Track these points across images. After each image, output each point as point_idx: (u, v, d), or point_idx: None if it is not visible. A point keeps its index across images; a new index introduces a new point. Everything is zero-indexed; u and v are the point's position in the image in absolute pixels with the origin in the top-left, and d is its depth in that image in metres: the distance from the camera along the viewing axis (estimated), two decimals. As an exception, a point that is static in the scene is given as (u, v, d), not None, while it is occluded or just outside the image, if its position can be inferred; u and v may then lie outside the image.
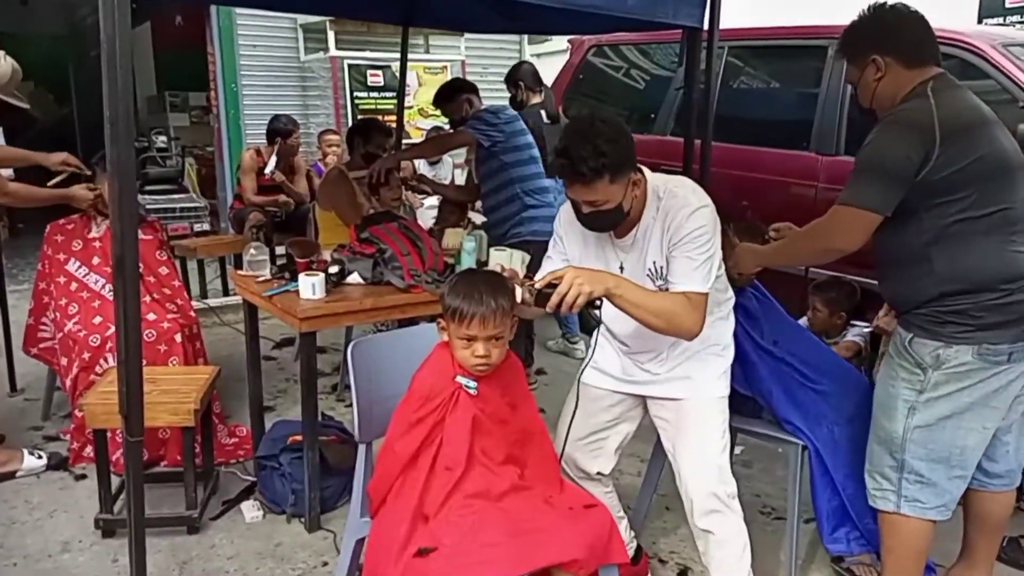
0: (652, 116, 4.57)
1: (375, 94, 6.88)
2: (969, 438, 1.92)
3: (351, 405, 1.99)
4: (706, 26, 3.17)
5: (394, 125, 4.93)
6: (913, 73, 1.94)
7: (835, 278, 3.30)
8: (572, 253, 2.09)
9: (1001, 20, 6.19)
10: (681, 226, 1.90)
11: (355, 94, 6.77)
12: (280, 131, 5.34)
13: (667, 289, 1.92)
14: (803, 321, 3.21)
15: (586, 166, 1.78)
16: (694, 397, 2.05)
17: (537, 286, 1.76)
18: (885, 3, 2.01)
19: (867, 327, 3.16)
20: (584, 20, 3.18)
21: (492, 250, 2.87)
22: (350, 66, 6.75)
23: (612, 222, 1.93)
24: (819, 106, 3.70)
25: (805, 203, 3.62)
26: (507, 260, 2.77)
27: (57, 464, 3.08)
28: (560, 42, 6.56)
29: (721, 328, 2.10)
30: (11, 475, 3.00)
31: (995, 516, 2.17)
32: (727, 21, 3.38)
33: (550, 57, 7.67)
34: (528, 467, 1.88)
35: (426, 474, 1.75)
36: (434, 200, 5.30)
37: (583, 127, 1.83)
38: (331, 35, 6.64)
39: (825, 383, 2.37)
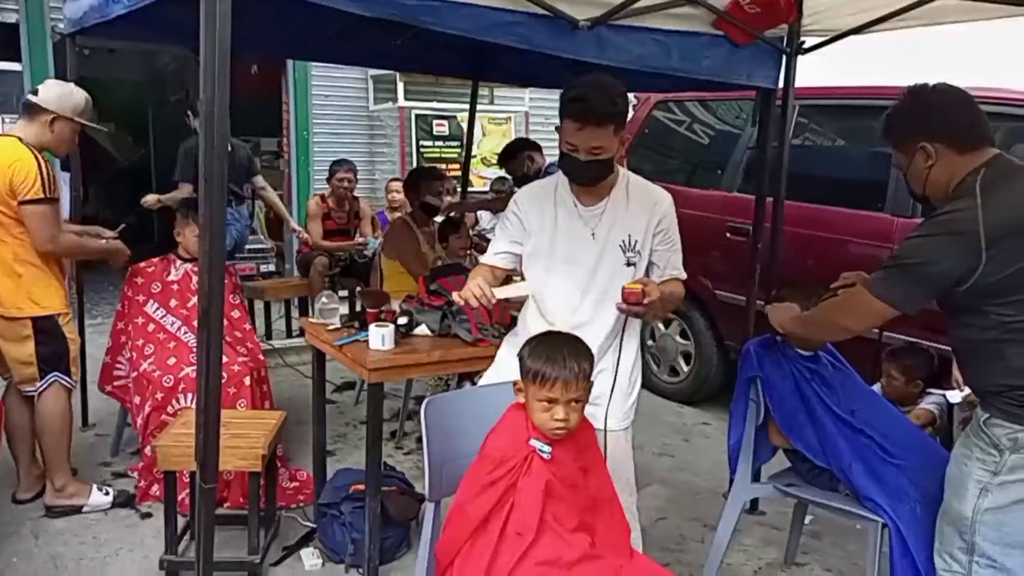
0: (719, 172, 4.55)
1: (440, 143, 7.04)
2: None
3: (410, 453, 1.99)
4: (781, 85, 3.17)
5: (459, 174, 5.03)
6: (965, 159, 1.83)
7: (912, 344, 3.20)
8: (532, 227, 2.22)
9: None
10: (668, 214, 2.23)
11: (421, 143, 6.94)
12: (331, 170, 5.48)
13: (636, 264, 2.18)
14: (876, 388, 3.11)
15: (603, 110, 2.00)
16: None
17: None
18: (927, 85, 1.91)
19: (943, 395, 3.04)
20: (658, 80, 3.20)
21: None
22: (417, 116, 6.93)
23: (602, 173, 2.12)
24: (893, 167, 3.63)
25: (877, 265, 3.53)
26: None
27: (124, 502, 3.14)
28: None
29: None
30: (78, 509, 3.06)
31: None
32: (802, 79, 3.36)
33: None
34: (599, 534, 1.84)
35: (496, 538, 1.72)
36: None
37: (598, 80, 2.05)
38: (400, 86, 6.85)
39: (906, 457, 2.28)
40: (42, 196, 2.83)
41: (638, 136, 5.05)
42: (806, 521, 2.93)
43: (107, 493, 3.14)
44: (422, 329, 2.82)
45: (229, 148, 2.12)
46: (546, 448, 1.78)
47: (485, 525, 1.75)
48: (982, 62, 4.67)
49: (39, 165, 2.84)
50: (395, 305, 2.96)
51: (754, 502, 3.25)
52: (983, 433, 1.87)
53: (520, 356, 1.80)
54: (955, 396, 2.91)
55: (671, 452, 3.90)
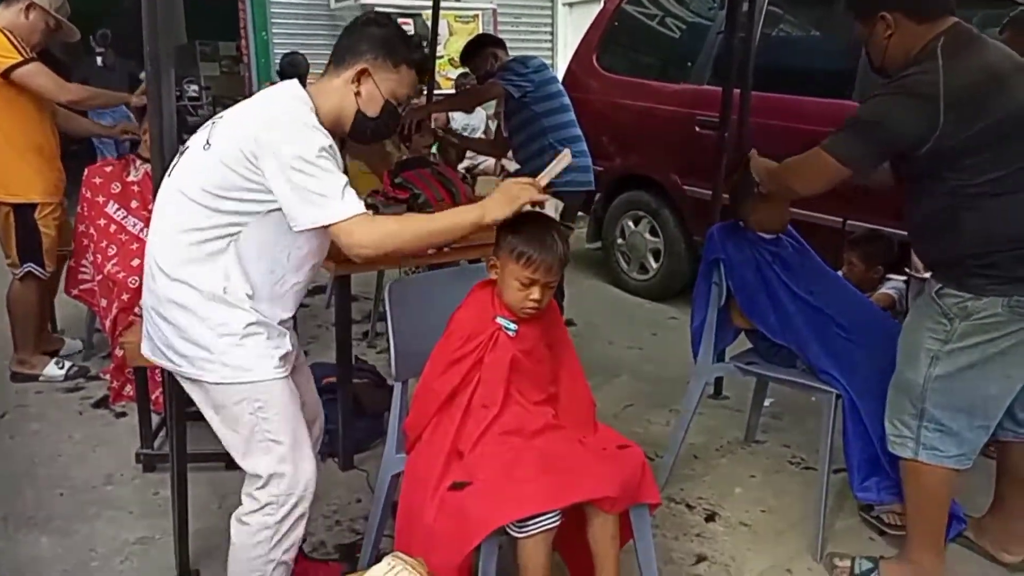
0: (689, 65, 4.47)
1: (405, 43, 6.82)
2: (992, 387, 1.90)
3: (383, 352, 2.01)
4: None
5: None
6: (924, 28, 1.84)
7: (872, 231, 3.25)
8: None
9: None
10: None
11: (385, 43, 6.71)
12: (289, 72, 5.27)
13: None
14: (839, 275, 3.17)
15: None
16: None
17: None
18: None
19: (903, 279, 3.12)
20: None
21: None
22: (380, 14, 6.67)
23: None
24: (862, 55, 3.59)
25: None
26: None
27: (76, 374, 3.41)
28: (594, -9, 6.43)
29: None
30: (35, 378, 3.38)
31: (1028, 467, 2.15)
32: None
33: (583, 7, 7.54)
34: (563, 408, 1.89)
35: (462, 412, 1.77)
36: (490, 163, 5.30)
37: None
38: (361, -19, 6.57)
39: (862, 333, 2.35)
40: (22, 57, 2.98)
41: (607, 31, 4.93)
42: (766, 403, 3.04)
43: (61, 367, 3.43)
44: (388, 223, 2.79)
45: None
46: (512, 326, 1.81)
47: (452, 400, 1.79)
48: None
49: (5, 35, 2.97)
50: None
51: (719, 388, 3.35)
52: (935, 303, 1.93)
53: (502, 235, 1.79)
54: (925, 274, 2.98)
55: (640, 345, 3.99)
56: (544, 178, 1.77)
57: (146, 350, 1.83)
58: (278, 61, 6.71)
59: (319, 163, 1.56)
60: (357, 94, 1.71)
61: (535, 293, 1.76)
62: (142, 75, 5.04)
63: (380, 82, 1.71)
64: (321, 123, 1.64)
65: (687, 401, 2.58)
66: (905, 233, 2.15)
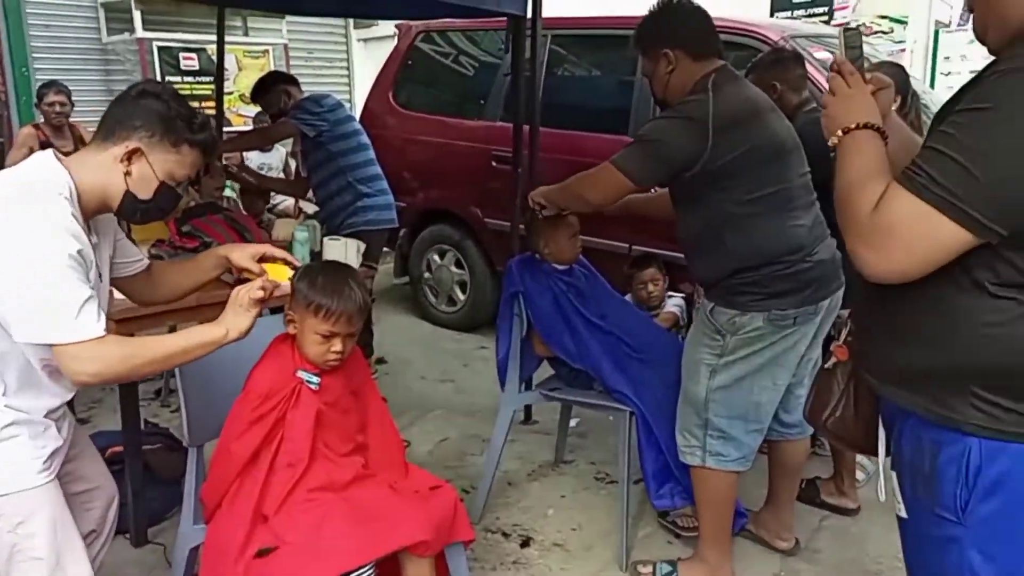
0: (482, 102, 4.64)
1: (190, 78, 6.45)
2: (763, 395, 2.14)
3: (177, 410, 1.89)
4: (530, 14, 3.26)
5: (212, 112, 4.67)
6: (698, 66, 2.10)
7: (646, 254, 3.53)
8: None
9: (790, 14, 6.85)
10: None
11: (168, 79, 6.31)
12: (39, 95, 4.91)
13: None
14: (628, 297, 3.42)
15: None
16: None
17: None
18: (672, 0, 2.15)
19: (682, 296, 3.42)
20: (411, 6, 3.17)
21: (326, 240, 2.82)
22: (160, 48, 6.28)
23: None
24: (635, 93, 3.93)
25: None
26: (342, 250, 2.74)
27: None
28: (387, 27, 6.48)
29: None
30: None
31: (794, 461, 2.43)
32: (552, 10, 3.49)
33: (378, 42, 7.57)
34: (372, 455, 1.88)
35: (266, 473, 1.70)
36: (289, 203, 5.12)
37: None
38: (137, 14, 6.14)
39: (649, 353, 2.55)
40: None
41: (401, 68, 5.00)
42: (572, 424, 3.20)
43: None
44: (176, 274, 2.63)
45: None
46: (314, 379, 1.77)
47: (254, 461, 1.72)
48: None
49: None
50: (143, 252, 2.73)
51: (528, 413, 3.47)
52: (709, 321, 2.14)
53: (297, 287, 1.73)
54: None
55: (452, 378, 4.03)
56: None
57: None
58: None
59: (61, 272, 1.37)
60: (127, 174, 1.50)
61: (337, 345, 1.74)
62: None
63: (155, 163, 1.52)
64: (80, 202, 1.46)
65: (497, 431, 2.65)
66: (677, 254, 2.38)
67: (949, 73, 6.03)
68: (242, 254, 1.75)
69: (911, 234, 1.10)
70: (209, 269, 1.83)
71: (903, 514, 1.30)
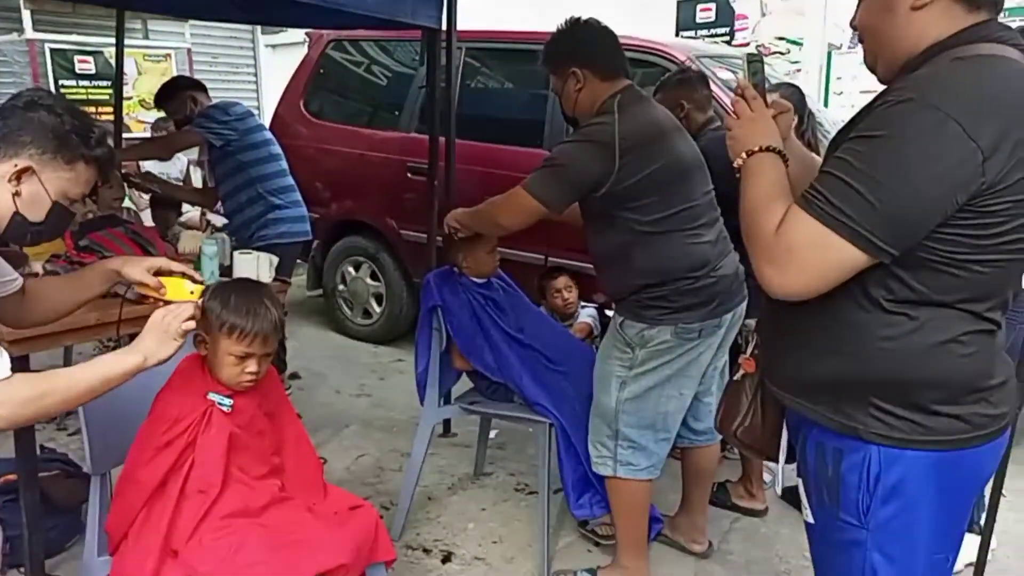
0: (396, 113, 4.61)
1: (85, 83, 6.15)
2: (670, 404, 2.21)
3: (75, 433, 1.79)
4: (444, 26, 3.27)
5: (111, 118, 4.46)
6: (606, 85, 2.15)
7: (558, 266, 3.59)
8: None
9: (694, 33, 7.11)
10: None
11: (61, 82, 6.00)
12: None
13: None
14: (543, 309, 3.46)
15: None
16: None
17: None
18: (580, 18, 2.21)
19: (595, 306, 3.49)
20: (322, 16, 3.12)
21: (236, 254, 2.73)
22: (52, 50, 5.95)
23: None
24: (549, 106, 3.99)
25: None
26: (254, 265, 2.66)
27: None
28: (297, 33, 6.35)
29: None
30: None
31: (705, 467, 2.52)
32: (467, 22, 3.51)
33: (286, 48, 7.41)
34: (289, 476, 1.83)
35: (175, 501, 1.63)
36: (194, 214, 4.89)
37: None
38: (26, 14, 5.82)
39: (566, 365, 2.59)
40: None
41: (312, 76, 4.91)
42: (492, 436, 3.20)
43: None
44: (74, 291, 2.49)
45: None
46: (227, 401, 1.71)
47: (162, 489, 1.65)
48: (627, 10, 5.24)
49: None
50: (37, 267, 2.57)
51: (447, 425, 3.46)
52: (619, 334, 2.19)
53: (209, 307, 1.66)
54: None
55: (368, 392, 3.98)
56: None
57: None
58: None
59: None
60: (16, 194, 1.39)
61: (251, 366, 1.69)
62: None
63: (47, 182, 1.40)
64: None
65: (417, 447, 2.63)
66: (588, 265, 2.42)
67: (841, 92, 6.38)
68: (136, 267, 1.62)
69: (811, 254, 1.17)
70: (95, 285, 1.67)
71: (810, 519, 1.36)
